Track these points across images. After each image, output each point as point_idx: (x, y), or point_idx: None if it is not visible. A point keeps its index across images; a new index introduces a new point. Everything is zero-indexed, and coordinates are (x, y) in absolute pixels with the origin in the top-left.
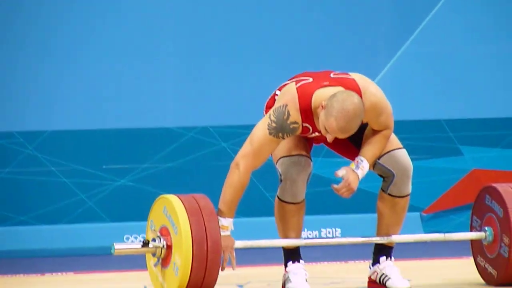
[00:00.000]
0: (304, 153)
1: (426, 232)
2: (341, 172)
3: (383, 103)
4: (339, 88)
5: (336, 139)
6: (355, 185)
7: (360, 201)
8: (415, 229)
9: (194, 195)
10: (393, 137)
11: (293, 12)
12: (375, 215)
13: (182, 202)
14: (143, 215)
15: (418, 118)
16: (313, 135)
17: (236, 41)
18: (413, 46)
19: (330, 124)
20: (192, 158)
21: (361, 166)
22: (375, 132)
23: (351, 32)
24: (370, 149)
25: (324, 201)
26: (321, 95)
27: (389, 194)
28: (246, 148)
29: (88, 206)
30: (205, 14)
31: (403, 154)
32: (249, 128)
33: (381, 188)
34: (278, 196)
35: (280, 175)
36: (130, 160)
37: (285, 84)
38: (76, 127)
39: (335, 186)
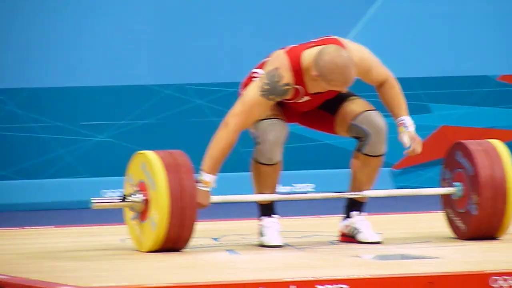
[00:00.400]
0: (280, 116)
1: (396, 187)
2: (406, 142)
3: (367, 55)
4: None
5: (307, 113)
6: (418, 139)
7: (333, 157)
8: (385, 184)
9: (172, 151)
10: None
11: None
12: (348, 171)
13: (160, 159)
14: (120, 171)
15: None
16: (302, 99)
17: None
18: (382, 6)
19: (333, 86)
20: (168, 115)
21: (408, 124)
22: (386, 91)
23: None
24: (398, 105)
25: (297, 156)
26: (310, 54)
27: (364, 154)
28: (237, 107)
29: (67, 161)
30: None
31: (377, 114)
32: (225, 85)
33: (356, 148)
34: (253, 158)
35: (257, 137)
36: (108, 116)
37: (263, 62)
38: (55, 84)
39: (408, 151)
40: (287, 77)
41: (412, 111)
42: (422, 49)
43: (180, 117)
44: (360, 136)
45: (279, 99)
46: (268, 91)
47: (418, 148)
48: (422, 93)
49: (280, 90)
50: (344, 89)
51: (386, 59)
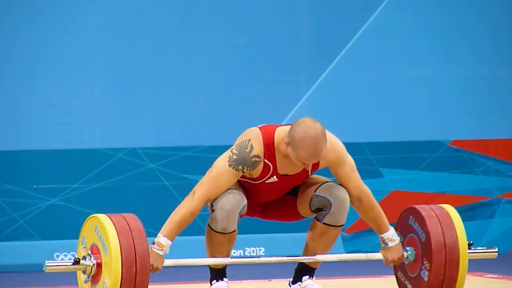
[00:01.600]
0: (239, 190)
1: (347, 251)
2: (383, 259)
3: (343, 150)
4: None
5: (269, 203)
6: (399, 254)
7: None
8: (336, 248)
9: (125, 215)
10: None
11: (216, 38)
12: (297, 235)
13: (113, 224)
14: (73, 234)
15: (340, 140)
16: (270, 180)
17: (162, 62)
18: (332, 72)
19: (301, 155)
20: (120, 179)
21: (386, 240)
22: (365, 211)
23: (273, 59)
24: (378, 225)
25: (248, 220)
26: (282, 131)
27: (324, 223)
28: (205, 177)
29: (19, 224)
30: (131, 35)
31: (338, 185)
32: (176, 150)
33: (316, 218)
34: (208, 224)
35: (212, 205)
36: (60, 180)
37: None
38: (6, 148)
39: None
40: (257, 149)
41: (364, 176)
42: (373, 114)
43: (132, 180)
44: (322, 207)
45: (247, 172)
46: (236, 162)
47: (391, 257)
48: (373, 157)
49: (249, 160)
50: (311, 162)
51: (337, 124)
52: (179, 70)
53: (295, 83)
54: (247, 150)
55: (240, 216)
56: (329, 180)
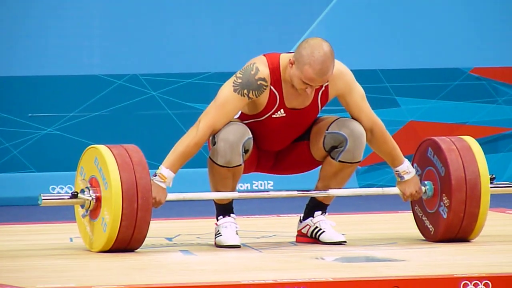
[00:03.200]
0: (254, 162)
1: (360, 185)
2: (399, 193)
3: (350, 75)
4: None
5: (281, 153)
6: (417, 187)
7: None
8: (350, 182)
9: (126, 147)
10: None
11: None
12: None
13: (114, 156)
14: (69, 166)
15: (353, 68)
16: (277, 114)
17: None
18: None
19: (305, 72)
20: (121, 107)
21: (402, 173)
22: (377, 144)
23: None
24: (391, 157)
25: None
26: (288, 56)
27: (340, 161)
28: (210, 106)
29: (13, 155)
30: None
31: (352, 120)
32: (181, 76)
33: (330, 156)
34: (210, 157)
35: (214, 138)
36: (56, 108)
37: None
38: (1, 73)
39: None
40: (263, 71)
41: (379, 105)
42: (389, 39)
43: (133, 109)
44: (337, 145)
45: (253, 97)
46: (241, 85)
47: (409, 191)
48: (389, 86)
49: (254, 83)
50: (316, 83)
51: (351, 49)
52: None
53: (308, 5)
54: (252, 73)
55: (245, 151)
56: (341, 117)
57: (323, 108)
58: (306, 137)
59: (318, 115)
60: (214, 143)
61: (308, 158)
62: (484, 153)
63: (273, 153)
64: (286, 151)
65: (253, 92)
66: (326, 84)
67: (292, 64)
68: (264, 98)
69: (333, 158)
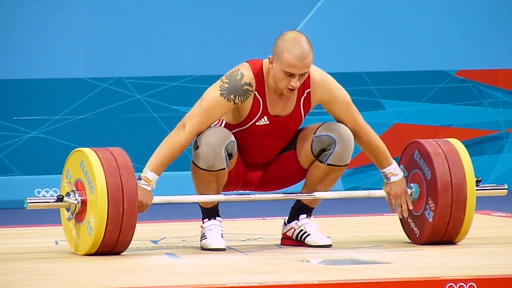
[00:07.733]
0: (239, 182)
1: (346, 188)
2: (385, 196)
3: (333, 83)
4: None
5: (268, 168)
6: (402, 189)
7: None
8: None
9: (112, 150)
10: None
11: None
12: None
13: (100, 160)
14: (55, 169)
15: (338, 70)
16: (261, 122)
17: None
18: None
19: (285, 59)
20: (106, 110)
21: (390, 173)
22: (365, 145)
23: None
24: (379, 159)
25: None
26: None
27: (328, 164)
28: (195, 109)
29: None
30: None
31: (338, 123)
32: (165, 79)
33: (318, 160)
34: (193, 161)
35: (196, 142)
36: (42, 111)
37: None
38: None
39: (392, 209)
40: (248, 76)
41: (364, 108)
42: (374, 42)
43: (118, 112)
44: (325, 147)
45: (239, 102)
46: (228, 90)
47: (393, 191)
48: (374, 88)
49: (241, 89)
50: (297, 70)
51: (337, 52)
52: (168, 1)
53: (293, 8)
54: (238, 78)
55: (229, 155)
56: (327, 121)
57: (306, 116)
58: (293, 147)
59: (301, 124)
60: (196, 147)
61: (296, 170)
62: (470, 156)
63: (260, 167)
64: (273, 164)
65: (239, 97)
66: (308, 90)
67: (272, 63)
68: (248, 104)
69: (321, 162)
